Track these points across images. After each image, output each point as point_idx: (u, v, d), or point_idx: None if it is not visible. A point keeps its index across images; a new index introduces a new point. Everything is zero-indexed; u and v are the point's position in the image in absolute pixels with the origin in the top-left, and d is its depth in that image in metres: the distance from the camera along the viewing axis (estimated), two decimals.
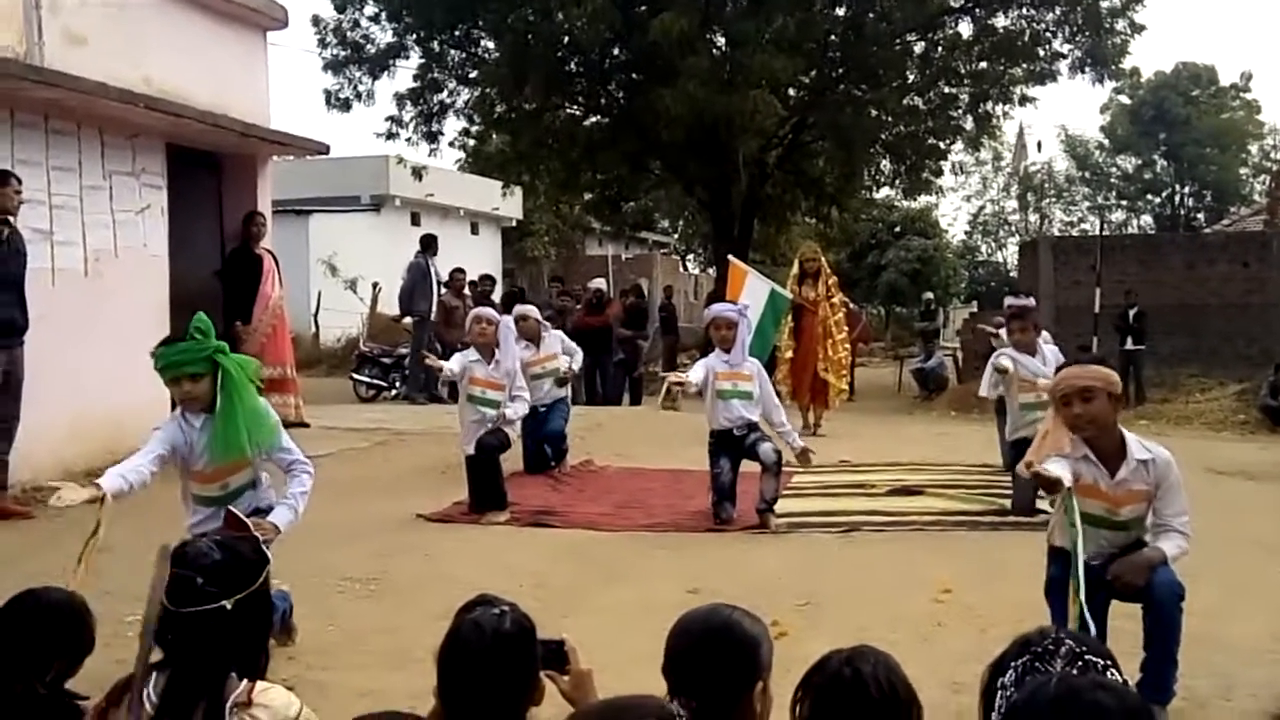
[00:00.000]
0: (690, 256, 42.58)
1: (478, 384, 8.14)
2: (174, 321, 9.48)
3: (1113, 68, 20.51)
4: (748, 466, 7.85)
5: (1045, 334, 8.64)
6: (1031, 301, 8.79)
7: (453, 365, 8.33)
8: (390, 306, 19.07)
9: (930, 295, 26.49)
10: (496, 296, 17.35)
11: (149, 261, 9.66)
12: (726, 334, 7.88)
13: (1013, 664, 2.10)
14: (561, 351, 9.91)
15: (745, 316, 8.21)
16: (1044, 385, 7.20)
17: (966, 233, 48.89)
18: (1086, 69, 20.24)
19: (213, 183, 11.11)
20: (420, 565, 6.46)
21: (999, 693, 2.06)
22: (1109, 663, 2.08)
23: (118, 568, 6.26)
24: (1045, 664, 2.07)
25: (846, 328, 13.75)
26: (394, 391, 16.49)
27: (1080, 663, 2.06)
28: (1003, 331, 9.18)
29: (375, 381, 16.89)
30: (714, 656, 2.46)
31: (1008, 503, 8.07)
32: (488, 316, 8.40)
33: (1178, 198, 47.12)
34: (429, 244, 15.58)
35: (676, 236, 41.05)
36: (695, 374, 7.80)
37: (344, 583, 6.09)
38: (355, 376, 17.24)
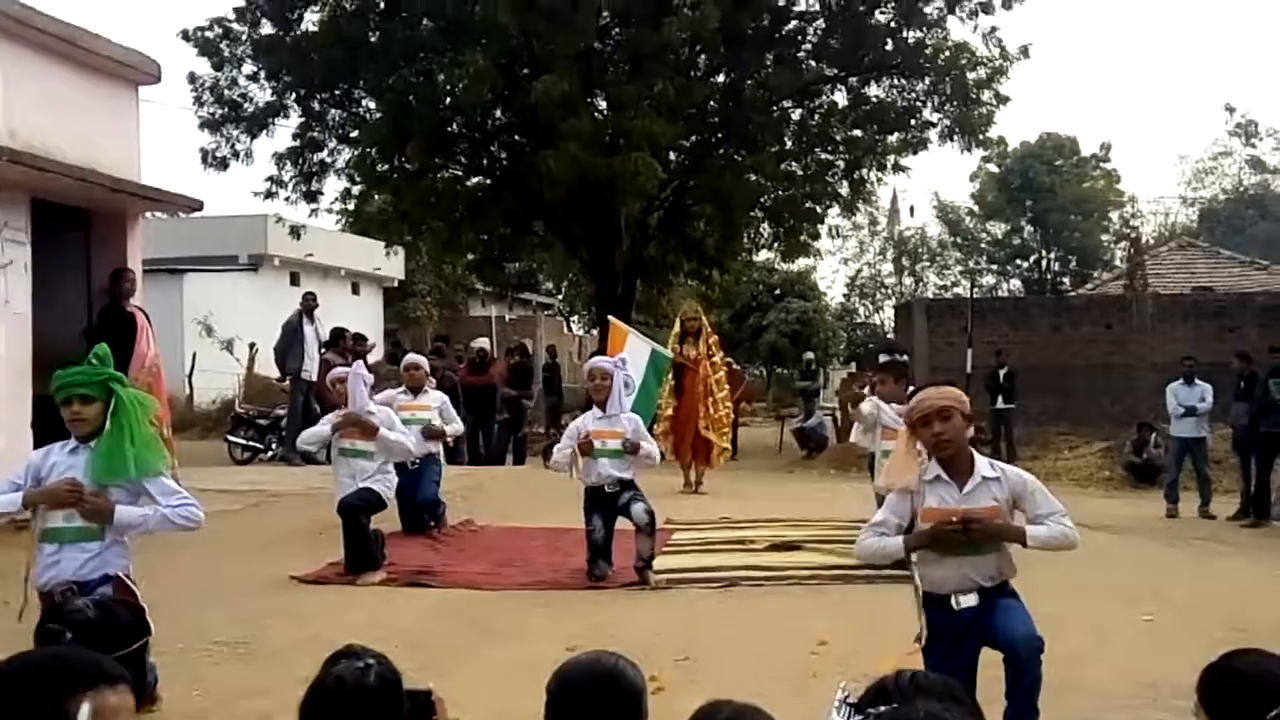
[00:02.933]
0: (574, 318, 42.72)
1: (344, 437, 8.12)
2: (37, 380, 9.17)
3: (980, 136, 21.33)
4: (629, 525, 7.85)
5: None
6: (900, 357, 9.01)
7: (322, 428, 8.39)
8: (268, 368, 18.72)
9: (811, 355, 26.94)
10: (375, 357, 17.13)
11: (11, 319, 9.35)
12: (601, 384, 7.93)
13: (869, 708, 2.14)
14: (439, 412, 9.79)
15: (621, 369, 8.23)
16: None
17: (845, 295, 49.93)
18: (955, 137, 21.02)
19: (80, 239, 10.81)
20: (292, 627, 6.30)
21: None
22: (966, 703, 2.13)
23: None
24: (905, 703, 2.11)
25: (729, 387, 13.88)
26: (269, 453, 16.13)
27: (943, 702, 2.11)
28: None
29: (251, 443, 16.51)
30: (600, 706, 2.44)
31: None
32: (339, 376, 8.48)
33: (1044, 262, 48.82)
34: (306, 302, 15.38)
35: (560, 297, 41.16)
36: (561, 454, 7.82)
37: (213, 646, 5.91)
38: (230, 438, 16.84)
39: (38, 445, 7.13)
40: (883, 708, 2.13)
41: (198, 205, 11.60)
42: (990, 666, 4.50)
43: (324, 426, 8.38)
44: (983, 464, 4.49)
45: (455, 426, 10.11)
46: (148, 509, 4.57)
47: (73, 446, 4.58)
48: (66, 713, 1.79)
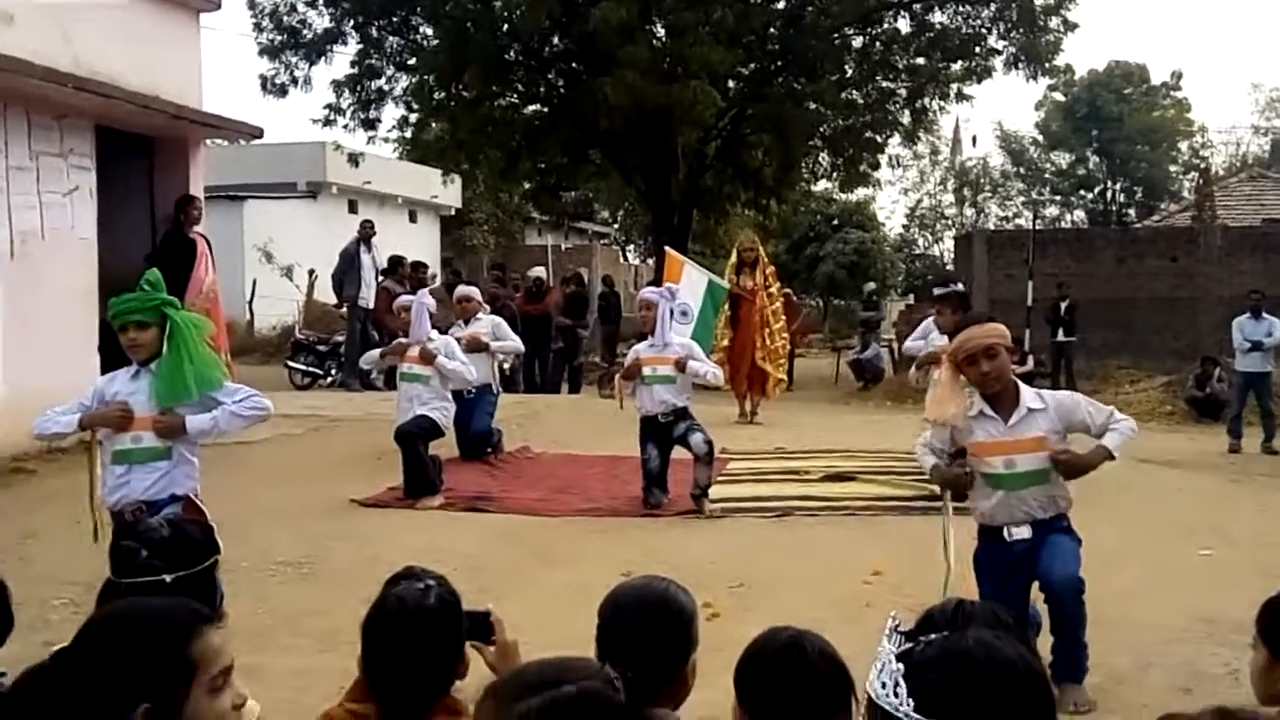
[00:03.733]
0: (630, 247, 42.61)
1: (405, 360, 8.32)
2: (103, 306, 9.34)
3: (1046, 65, 20.83)
4: (685, 454, 7.89)
5: None
6: (958, 286, 8.93)
7: (375, 353, 8.94)
8: (326, 294, 18.90)
9: (872, 285, 26.72)
10: (433, 285, 17.24)
11: (77, 245, 9.51)
12: (646, 315, 7.98)
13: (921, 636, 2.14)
14: (493, 336, 9.88)
15: (668, 298, 8.21)
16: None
17: (904, 226, 49.25)
18: (1021, 65, 20.52)
19: (144, 166, 10.94)
20: (353, 549, 6.43)
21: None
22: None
23: (43, 553, 6.21)
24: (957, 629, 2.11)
25: (786, 318, 13.83)
26: (329, 379, 16.34)
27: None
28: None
29: (311, 369, 16.72)
30: (651, 628, 2.47)
31: (937, 487, 8.16)
32: (404, 304, 8.66)
33: (1110, 194, 47.87)
34: (363, 230, 15.49)
35: (616, 227, 41.03)
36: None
37: (276, 566, 6.06)
38: (290, 364, 17.06)
39: (105, 370, 7.30)
40: (933, 636, 2.14)
41: (258, 132, 11.67)
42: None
43: (376, 351, 8.83)
44: (1028, 395, 4.47)
45: (510, 344, 10.19)
46: (216, 412, 4.67)
47: (134, 371, 4.67)
48: (191, 661, 1.86)
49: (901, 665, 1.63)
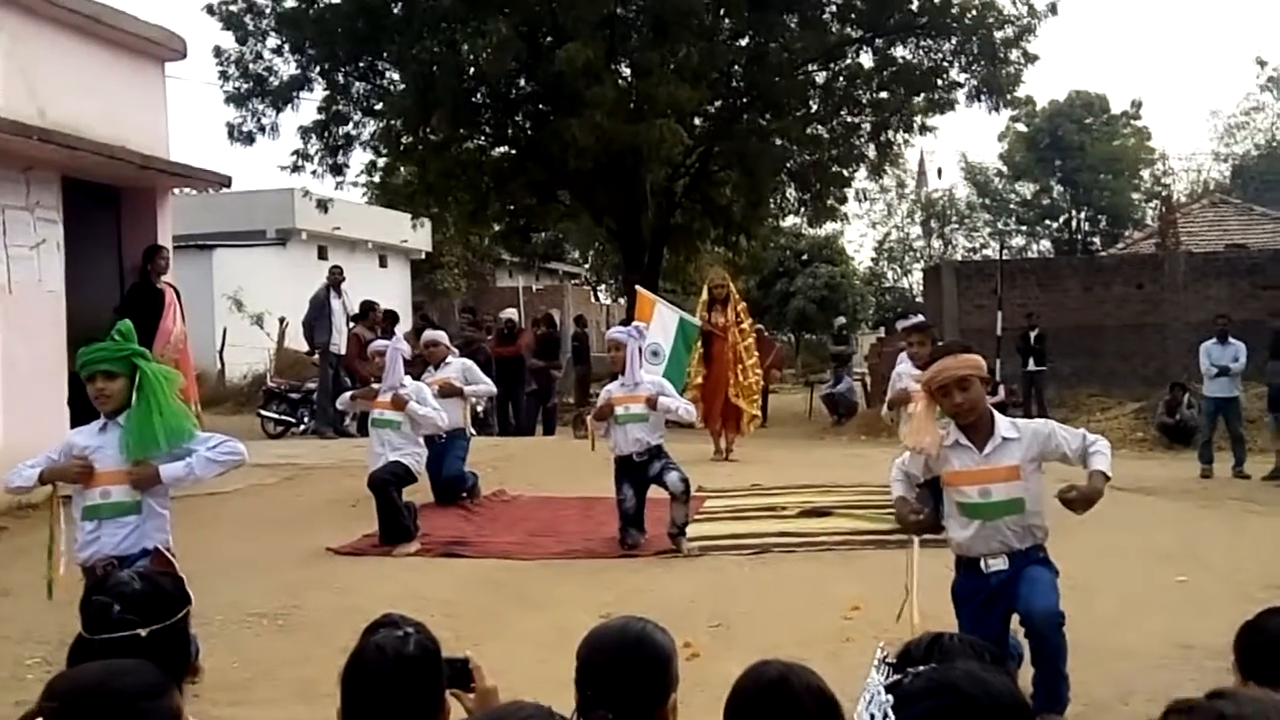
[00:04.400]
0: (601, 287, 42.69)
1: (376, 406, 8.33)
2: (72, 358, 9.27)
3: (1008, 96, 21.12)
4: (661, 492, 7.87)
5: None
6: (921, 318, 8.98)
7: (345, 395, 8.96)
8: (298, 341, 18.83)
9: (842, 320, 26.87)
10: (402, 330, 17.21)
11: (45, 297, 9.44)
12: (616, 355, 8.01)
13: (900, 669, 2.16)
14: (464, 380, 9.89)
15: (636, 337, 8.21)
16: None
17: (873, 259, 49.63)
18: (983, 97, 20.81)
19: (111, 216, 10.89)
20: (330, 598, 6.38)
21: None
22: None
23: (14, 611, 6.12)
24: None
25: (759, 353, 13.87)
26: (302, 427, 16.24)
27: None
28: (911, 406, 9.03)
29: (283, 417, 16.62)
30: (630, 670, 2.47)
31: None
32: (379, 349, 8.64)
33: (1074, 222, 48.31)
34: (333, 276, 15.48)
35: (587, 267, 41.13)
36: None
37: (252, 618, 5.99)
38: (263, 413, 16.95)
39: (75, 423, 7.24)
40: (921, 667, 2.14)
41: (226, 181, 11.66)
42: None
43: (349, 393, 9.04)
44: (1002, 424, 4.48)
45: (483, 388, 10.20)
46: (190, 459, 4.63)
47: (102, 425, 4.62)
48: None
49: (891, 697, 1.64)
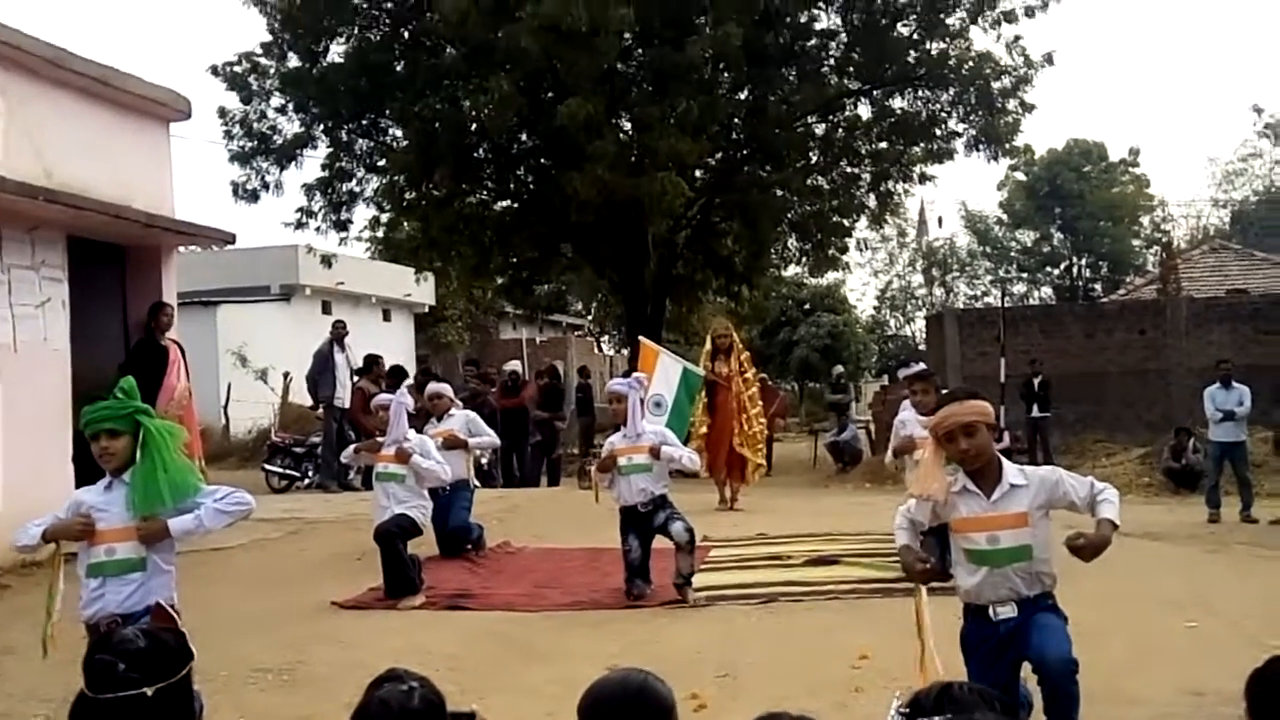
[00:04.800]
0: (605, 338, 42.79)
1: (380, 460, 8.28)
2: (77, 417, 9.29)
3: (1006, 145, 21.26)
4: (666, 543, 7.85)
5: None
6: (923, 366, 9.00)
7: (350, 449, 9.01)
8: (302, 396, 18.86)
9: (840, 369, 26.91)
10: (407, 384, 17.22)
11: (50, 356, 9.46)
12: (618, 407, 8.01)
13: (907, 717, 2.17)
14: (468, 432, 9.91)
15: (637, 388, 8.21)
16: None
17: (875, 308, 49.78)
18: (981, 147, 20.96)
19: (116, 275, 10.94)
20: (335, 653, 6.34)
21: None
22: (997, 710, 2.15)
23: (17, 669, 6.09)
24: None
25: (762, 402, 13.88)
26: (306, 481, 16.23)
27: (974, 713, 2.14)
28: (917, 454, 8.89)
29: (287, 472, 16.62)
30: None
31: None
32: (382, 403, 8.65)
33: (1075, 269, 48.52)
34: (336, 331, 15.53)
35: (591, 318, 41.25)
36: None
37: (256, 674, 5.95)
38: (267, 467, 16.96)
39: (80, 481, 7.23)
40: (936, 718, 2.15)
41: (230, 238, 11.73)
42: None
43: (351, 448, 9.02)
44: (1010, 471, 4.47)
45: (487, 440, 10.22)
46: (198, 510, 4.60)
47: (107, 483, 4.62)
48: None
49: None
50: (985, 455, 4.43)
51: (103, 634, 2.58)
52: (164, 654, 2.59)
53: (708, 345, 13.42)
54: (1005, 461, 4.53)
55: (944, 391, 5.45)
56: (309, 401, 16.85)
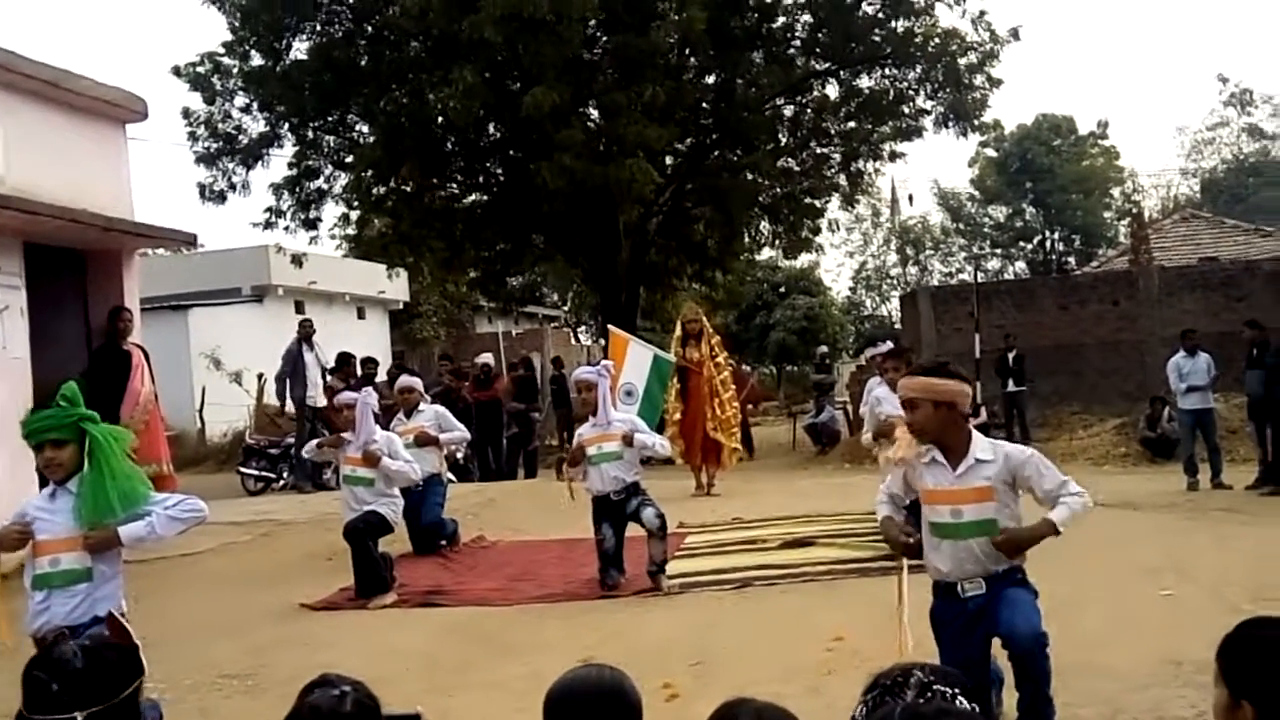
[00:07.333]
0: (582, 328, 42.69)
1: (348, 463, 8.13)
2: None
3: (975, 121, 21.18)
4: (640, 531, 7.78)
5: None
6: (891, 344, 8.97)
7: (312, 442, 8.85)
8: (275, 397, 18.70)
9: (824, 349, 26.89)
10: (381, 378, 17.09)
11: (9, 364, 9.32)
12: (587, 395, 7.95)
13: (863, 698, 2.11)
14: (438, 428, 9.81)
15: (605, 375, 8.13)
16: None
17: (850, 288, 49.80)
18: (950, 123, 20.90)
19: (77, 281, 10.79)
20: (302, 656, 6.23)
21: None
22: (956, 690, 2.08)
23: None
24: (894, 696, 2.08)
25: (734, 387, 13.81)
26: (281, 482, 16.08)
27: (929, 693, 2.07)
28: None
29: (263, 474, 16.45)
30: (595, 716, 2.40)
31: None
32: (348, 401, 8.42)
33: (1048, 243, 48.58)
34: (303, 330, 15.37)
35: (567, 309, 41.12)
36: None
37: (222, 680, 5.86)
38: (242, 470, 16.78)
39: None
40: (900, 701, 2.09)
41: (191, 239, 11.61)
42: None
43: (314, 441, 8.84)
44: (979, 445, 4.41)
45: (458, 434, 10.12)
46: (150, 517, 4.50)
47: (51, 492, 4.50)
48: None
49: None
50: (929, 431, 4.38)
51: (43, 649, 2.48)
52: (103, 673, 2.48)
53: (678, 331, 13.36)
54: (977, 436, 4.47)
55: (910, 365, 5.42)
56: (279, 403, 16.69)
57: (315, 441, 8.99)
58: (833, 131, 22.06)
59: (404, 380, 10.33)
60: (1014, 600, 4.32)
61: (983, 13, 20.33)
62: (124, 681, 2.53)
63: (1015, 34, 20.45)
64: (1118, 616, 6.23)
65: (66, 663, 2.48)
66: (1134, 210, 37.50)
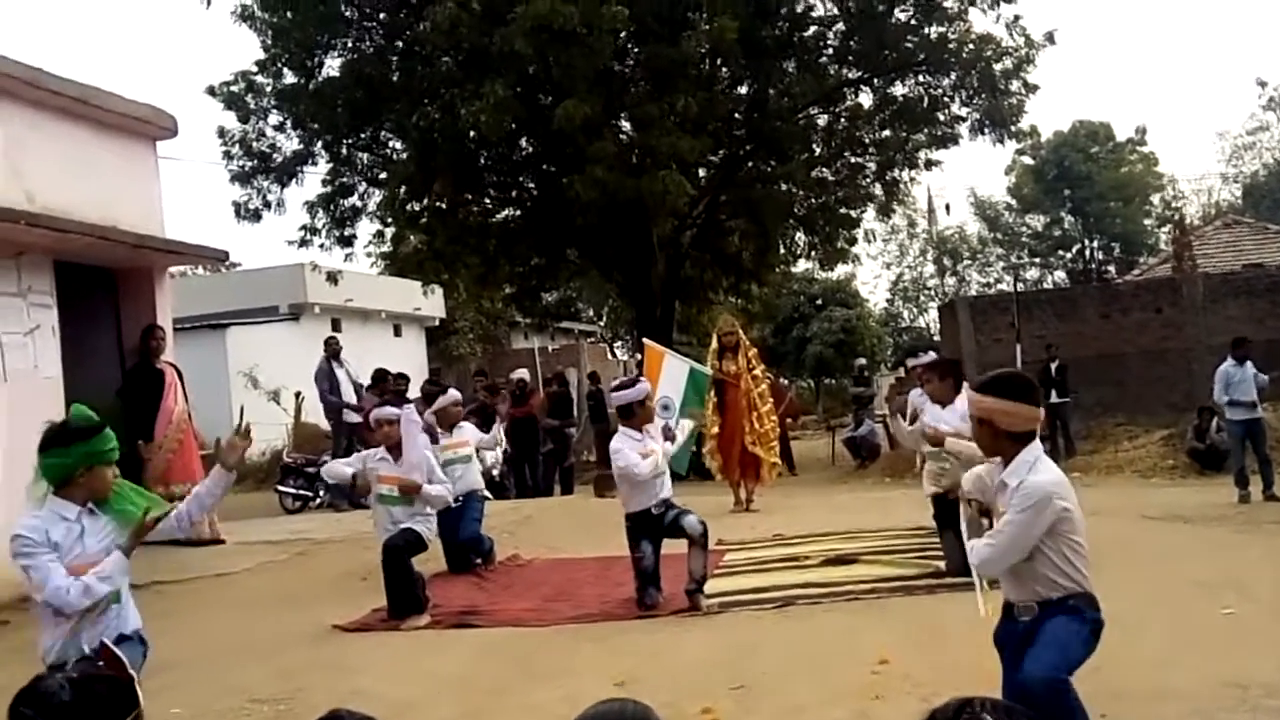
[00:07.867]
0: (618, 343, 42.56)
1: (385, 482, 7.95)
2: None
3: (1011, 128, 20.86)
4: (675, 548, 7.59)
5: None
6: (930, 355, 8.72)
7: (343, 468, 8.33)
8: (315, 415, 18.68)
9: (862, 361, 26.58)
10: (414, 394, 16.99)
11: (42, 384, 9.26)
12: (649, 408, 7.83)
13: None
14: (474, 442, 9.75)
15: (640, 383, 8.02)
16: (944, 431, 7.43)
17: (888, 300, 49.46)
18: (986, 130, 20.62)
19: (108, 298, 10.76)
20: (334, 680, 6.09)
21: None
22: None
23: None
24: None
25: (772, 400, 13.60)
26: (319, 500, 16.00)
27: None
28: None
29: (300, 492, 16.38)
30: None
31: (942, 564, 7.87)
32: (388, 417, 8.21)
33: (1088, 252, 48.09)
34: (330, 347, 15.30)
35: (603, 324, 41.02)
36: (641, 467, 7.51)
37: (252, 705, 5.72)
38: (280, 488, 16.72)
39: None
40: None
41: (223, 256, 11.56)
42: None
43: (347, 469, 8.30)
44: (1014, 469, 4.11)
45: (487, 437, 10.25)
46: (179, 507, 4.71)
47: (75, 515, 4.44)
48: None
49: None
50: (987, 449, 4.21)
51: (29, 682, 2.35)
52: (92, 706, 2.34)
53: (714, 344, 13.16)
54: (1020, 459, 4.17)
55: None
56: (323, 422, 16.62)
57: (349, 471, 8.27)
58: (867, 140, 21.83)
59: (452, 394, 10.23)
60: (1044, 636, 4.03)
61: (1017, 17, 20.04)
62: (115, 717, 2.38)
63: (1050, 38, 20.16)
64: (1179, 636, 5.98)
65: (52, 695, 2.34)
66: (1175, 217, 37.02)
